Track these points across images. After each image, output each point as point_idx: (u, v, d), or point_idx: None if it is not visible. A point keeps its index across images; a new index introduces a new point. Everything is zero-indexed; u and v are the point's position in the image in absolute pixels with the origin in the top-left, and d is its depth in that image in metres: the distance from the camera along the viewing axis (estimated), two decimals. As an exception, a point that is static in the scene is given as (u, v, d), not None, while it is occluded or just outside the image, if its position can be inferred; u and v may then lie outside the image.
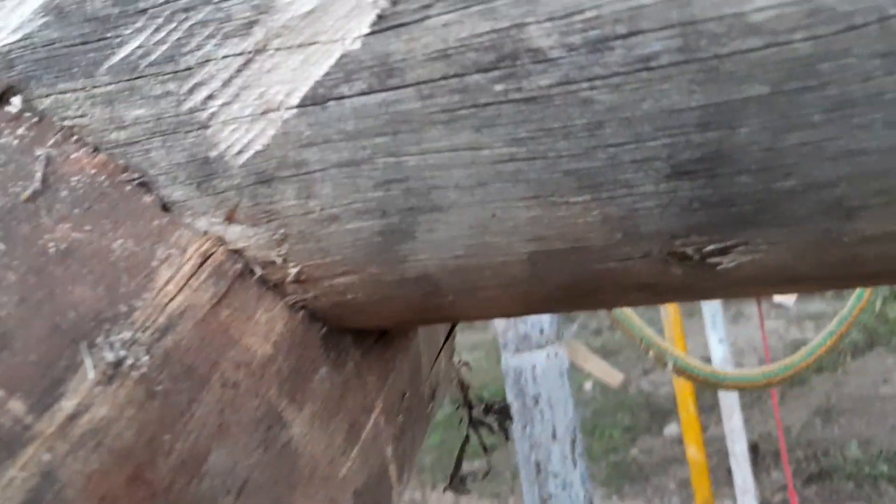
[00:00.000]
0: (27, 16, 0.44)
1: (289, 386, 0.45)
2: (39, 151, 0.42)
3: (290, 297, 0.46)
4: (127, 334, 0.38)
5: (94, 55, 0.43)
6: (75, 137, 0.44)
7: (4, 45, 0.45)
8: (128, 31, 0.43)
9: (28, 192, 0.40)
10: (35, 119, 0.44)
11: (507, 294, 0.44)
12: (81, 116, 0.44)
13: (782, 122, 0.33)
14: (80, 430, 0.35)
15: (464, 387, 0.70)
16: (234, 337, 0.42)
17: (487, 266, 0.42)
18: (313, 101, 0.39)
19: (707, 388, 1.41)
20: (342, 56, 0.38)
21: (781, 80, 0.32)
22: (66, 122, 0.44)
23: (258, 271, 0.45)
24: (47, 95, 0.45)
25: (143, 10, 0.43)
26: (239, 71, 0.41)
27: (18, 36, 0.45)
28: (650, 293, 0.43)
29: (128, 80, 0.43)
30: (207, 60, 0.41)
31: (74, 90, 0.44)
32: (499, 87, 0.36)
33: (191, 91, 0.42)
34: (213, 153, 0.42)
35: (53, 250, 0.39)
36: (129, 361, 0.37)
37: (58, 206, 0.41)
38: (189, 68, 0.41)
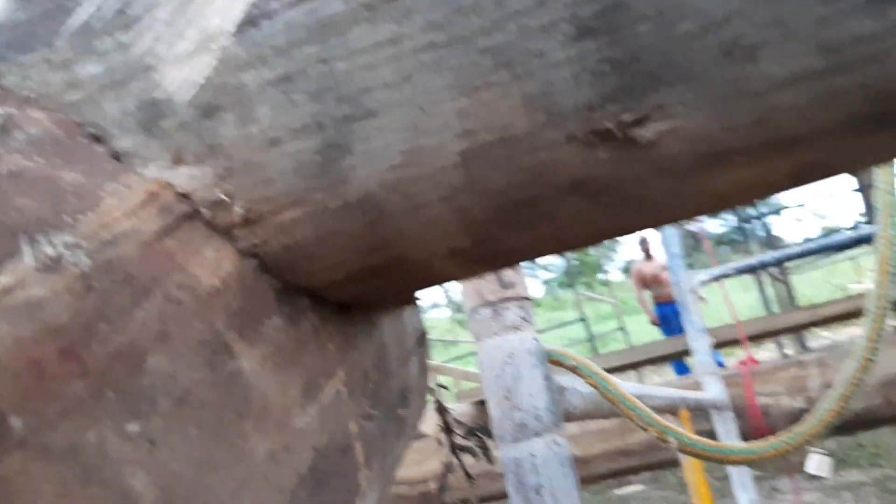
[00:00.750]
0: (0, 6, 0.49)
1: (237, 322, 0.45)
2: (1, 110, 0.45)
3: (239, 241, 0.47)
4: (69, 238, 0.39)
5: (53, 24, 0.47)
6: (35, 103, 0.47)
7: (-27, 34, 0.49)
8: (81, -5, 0.47)
9: (-17, 129, 0.42)
10: (1, 92, 0.47)
11: (446, 209, 0.45)
12: (42, 84, 0.47)
13: (666, -41, 0.36)
14: (12, 301, 0.35)
15: (442, 410, 0.68)
16: (180, 263, 0.43)
17: (425, 175, 0.43)
18: (247, 22, 0.42)
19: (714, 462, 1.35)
20: (272, -23, 0.42)
21: None
22: (28, 93, 0.47)
23: (206, 214, 0.46)
24: (12, 72, 0.48)
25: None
26: (179, 8, 0.44)
27: (-12, 24, 0.49)
28: (587, 196, 0.44)
29: (82, 41, 0.46)
30: (152, 4, 0.45)
31: (35, 62, 0.47)
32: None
33: (139, 37, 0.45)
34: (160, 94, 0.45)
35: (4, 171, 0.40)
36: (70, 259, 0.38)
37: (12, 143, 0.43)
38: (135, 16, 0.45)
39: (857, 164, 0.46)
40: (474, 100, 0.41)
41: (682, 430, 1.27)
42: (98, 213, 0.41)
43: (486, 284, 1.17)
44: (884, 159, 0.46)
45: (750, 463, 1.28)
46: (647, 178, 0.43)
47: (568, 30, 0.38)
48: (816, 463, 5.83)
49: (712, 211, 0.50)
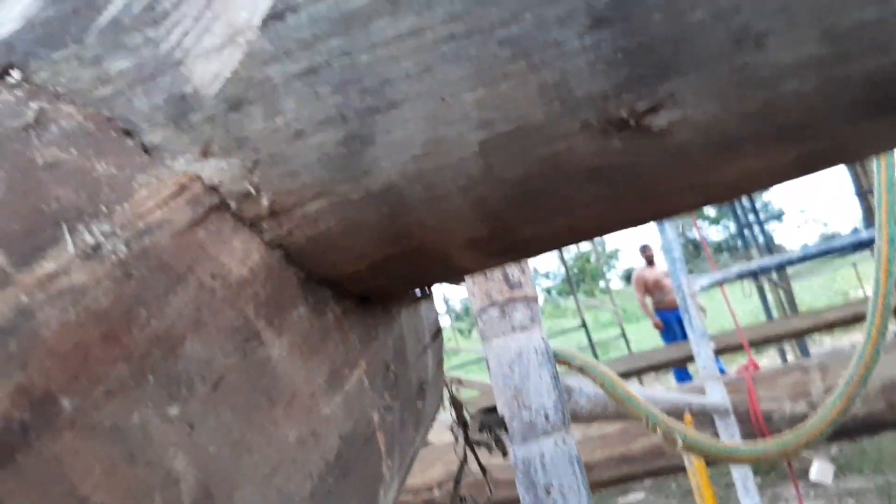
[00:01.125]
0: (27, 3, 0.50)
1: (266, 311, 0.46)
2: (33, 104, 0.47)
3: (265, 233, 0.48)
4: (106, 227, 0.40)
5: (83, 21, 0.49)
6: (66, 98, 0.48)
7: (6, 35, 0.50)
8: (112, -7, 0.48)
9: (20, 123, 0.44)
10: (31, 87, 0.49)
11: (465, 200, 0.46)
12: (72, 80, 0.49)
13: (678, -49, 0.37)
14: (57, 287, 0.36)
15: (457, 404, 0.70)
16: (211, 253, 0.45)
17: (445, 166, 0.45)
18: (273, 16, 0.44)
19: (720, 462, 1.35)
20: (297, -25, 0.44)
21: None
22: (59, 88, 0.49)
23: (233, 206, 0.48)
24: (44, 68, 0.49)
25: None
26: (208, 3, 0.46)
27: (20, 24, 0.50)
28: (603, 183, 0.46)
29: (112, 37, 0.48)
30: (181, 1, 0.46)
31: (66, 58, 0.49)
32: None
33: (168, 33, 0.47)
34: (189, 88, 0.46)
35: (41, 162, 0.42)
36: (108, 247, 0.40)
37: (47, 136, 0.44)
38: (164, 12, 0.47)
39: (862, 152, 0.47)
40: (492, 90, 0.42)
41: (689, 429, 1.28)
42: (132, 204, 0.43)
43: (494, 284, 1.18)
44: (887, 147, 0.47)
45: (757, 461, 1.29)
46: (660, 167, 0.44)
47: (583, 20, 0.40)
48: (819, 470, 5.83)
49: (721, 200, 0.51)
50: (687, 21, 0.39)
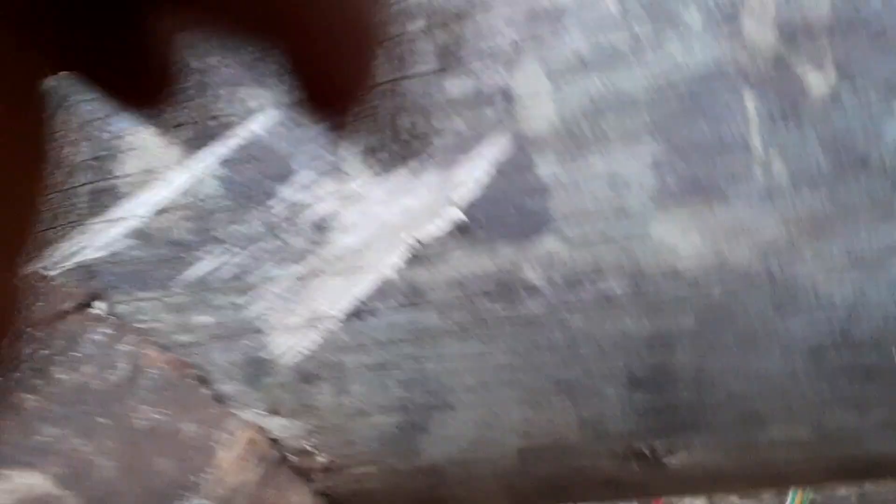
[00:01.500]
0: (114, 237, 0.56)
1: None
2: (121, 348, 0.53)
3: (315, 483, 0.55)
4: (197, 502, 0.46)
5: (170, 271, 0.55)
6: (149, 338, 0.54)
7: (89, 260, 0.56)
8: (201, 254, 0.55)
9: (117, 379, 0.50)
10: (116, 321, 0.55)
11: (497, 484, 0.53)
12: (155, 321, 0.55)
13: (707, 347, 0.46)
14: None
15: None
16: (273, 508, 0.51)
17: (486, 459, 0.52)
18: (354, 314, 0.51)
19: None
20: (380, 280, 0.51)
21: (704, 316, 0.45)
22: (142, 325, 0.55)
23: (293, 459, 0.54)
24: (126, 302, 0.55)
25: (218, 239, 0.55)
26: (293, 288, 0.52)
27: (104, 253, 0.56)
28: (613, 488, 0.53)
29: (197, 292, 0.54)
30: (267, 279, 0.53)
31: (150, 299, 0.55)
32: (500, 309, 0.49)
33: (252, 302, 0.53)
34: (265, 355, 0.53)
35: (140, 426, 0.48)
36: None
37: (140, 392, 0.50)
38: (250, 285, 0.53)
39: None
40: (538, 413, 0.50)
41: None
42: (214, 468, 0.49)
43: None
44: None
45: None
46: (665, 486, 0.52)
47: (624, 379, 0.48)
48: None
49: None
50: (707, 399, 0.47)
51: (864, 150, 0.42)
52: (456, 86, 0.49)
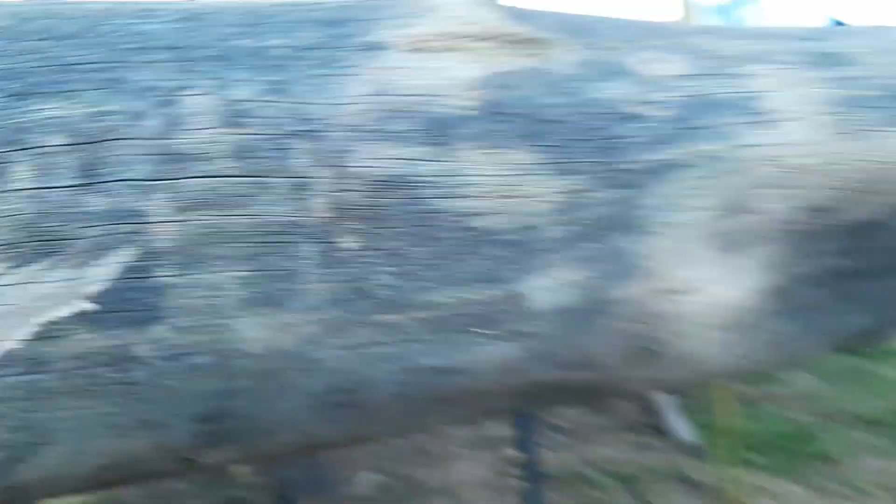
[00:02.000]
0: None
1: None
2: None
3: None
4: None
5: None
6: None
7: None
8: None
9: None
10: None
11: (73, 484, 0.68)
12: None
13: (257, 397, 0.69)
14: None
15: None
16: None
17: (69, 475, 0.66)
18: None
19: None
20: (3, 351, 0.60)
21: (258, 377, 0.68)
22: None
23: None
24: None
25: None
26: None
27: None
28: (166, 474, 0.73)
29: None
30: None
31: None
32: (111, 374, 0.63)
33: None
34: None
35: None
36: None
37: None
38: None
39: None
40: (122, 441, 0.66)
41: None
42: None
43: None
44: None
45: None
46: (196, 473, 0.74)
47: (196, 417, 0.68)
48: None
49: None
50: (249, 426, 0.70)
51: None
52: (93, 202, 0.60)
